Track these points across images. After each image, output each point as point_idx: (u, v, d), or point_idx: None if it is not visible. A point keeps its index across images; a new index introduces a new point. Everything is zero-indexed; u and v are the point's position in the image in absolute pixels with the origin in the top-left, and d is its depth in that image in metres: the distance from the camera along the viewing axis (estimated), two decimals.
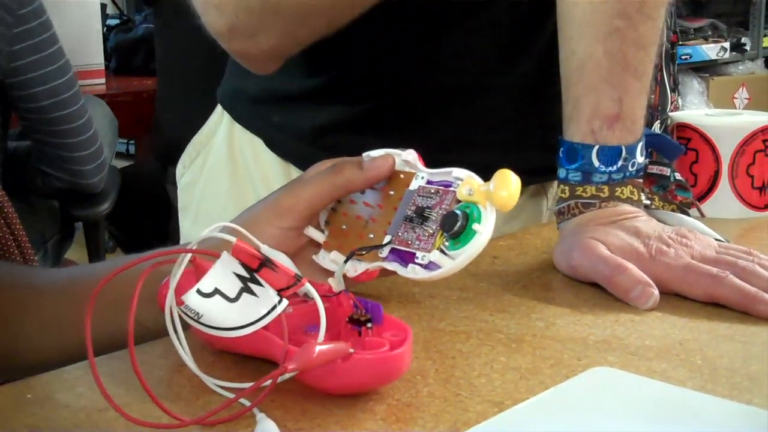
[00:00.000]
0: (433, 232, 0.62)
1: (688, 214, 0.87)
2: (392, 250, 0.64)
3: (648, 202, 0.84)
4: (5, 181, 0.99)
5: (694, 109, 3.86)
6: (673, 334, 0.63)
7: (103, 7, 3.20)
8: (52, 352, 0.69)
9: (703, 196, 0.94)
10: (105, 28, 3.19)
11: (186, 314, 0.52)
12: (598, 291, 0.72)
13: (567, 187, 0.79)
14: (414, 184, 0.66)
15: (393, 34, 0.87)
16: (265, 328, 0.53)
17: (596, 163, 0.77)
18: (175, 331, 0.54)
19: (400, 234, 0.64)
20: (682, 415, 0.50)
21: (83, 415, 0.52)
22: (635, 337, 0.63)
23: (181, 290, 0.52)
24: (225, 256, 0.53)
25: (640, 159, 0.79)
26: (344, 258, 0.65)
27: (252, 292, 0.53)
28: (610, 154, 0.77)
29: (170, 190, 2.64)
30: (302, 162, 0.93)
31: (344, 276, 0.65)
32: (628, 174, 0.78)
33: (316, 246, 0.70)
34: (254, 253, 0.53)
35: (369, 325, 0.55)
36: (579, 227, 0.77)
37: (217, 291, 0.52)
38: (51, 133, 1.93)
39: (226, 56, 0.84)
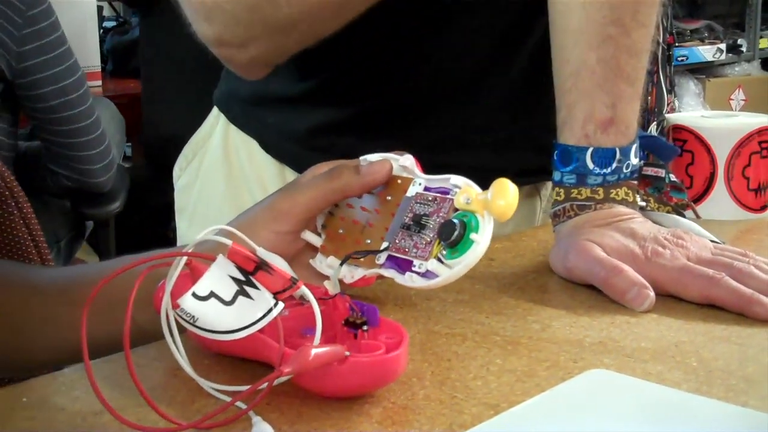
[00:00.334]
0: (431, 241, 0.62)
1: (684, 216, 0.87)
2: (389, 257, 0.64)
3: (643, 203, 0.85)
4: (18, 181, 1.00)
5: (690, 110, 3.87)
6: (669, 336, 0.63)
7: (100, 9, 3.20)
8: (49, 351, 0.69)
9: (698, 198, 0.94)
10: (101, 31, 3.19)
11: (182, 317, 0.52)
12: (594, 293, 0.72)
13: (562, 190, 0.79)
14: (411, 191, 0.66)
15: (385, 37, 0.87)
16: (260, 331, 0.53)
17: (590, 165, 0.78)
18: (171, 335, 0.54)
19: (397, 241, 0.64)
20: (678, 417, 0.50)
21: (79, 418, 0.52)
22: (631, 339, 0.63)
23: (176, 293, 0.52)
24: (221, 259, 0.53)
25: (634, 161, 0.79)
26: (340, 262, 0.65)
27: (248, 295, 0.53)
28: (605, 156, 0.78)
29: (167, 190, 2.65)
30: (297, 163, 0.93)
31: (340, 281, 0.65)
32: (622, 176, 0.78)
33: (313, 250, 0.70)
34: (250, 256, 0.53)
35: (365, 327, 0.55)
36: (574, 229, 0.77)
37: (212, 294, 0.52)
38: (59, 133, 1.95)
39: (216, 60, 0.84)
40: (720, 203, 0.95)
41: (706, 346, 0.61)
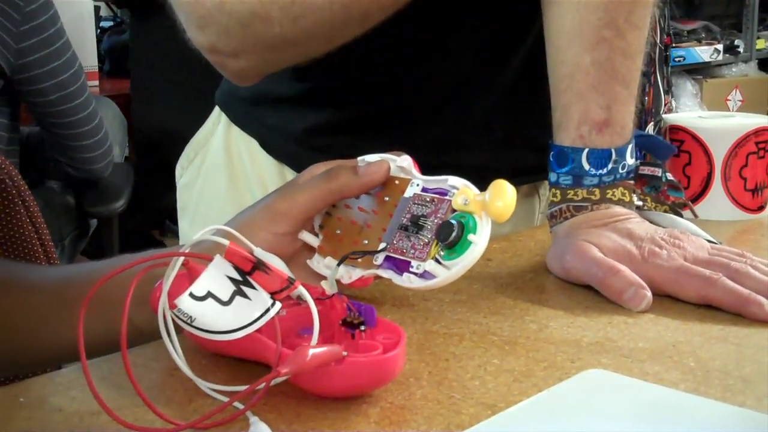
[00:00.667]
0: (429, 242, 0.62)
1: (681, 215, 0.87)
2: (387, 258, 0.64)
3: (640, 203, 0.85)
4: (22, 168, 1.00)
5: (687, 111, 3.87)
6: (666, 336, 0.63)
7: (97, 9, 3.20)
8: (47, 351, 0.69)
9: (696, 198, 0.94)
10: (98, 31, 3.19)
11: (179, 318, 0.52)
12: (591, 293, 0.72)
13: (558, 191, 0.79)
14: (409, 191, 0.66)
15: (383, 42, 0.87)
16: (258, 331, 0.53)
17: (586, 166, 0.78)
18: (168, 335, 0.54)
19: (395, 242, 0.64)
20: (675, 417, 0.50)
21: (76, 418, 0.51)
22: (628, 339, 0.63)
23: (174, 293, 0.52)
24: (218, 259, 0.53)
25: (630, 161, 0.79)
26: (338, 262, 0.65)
27: (245, 295, 0.53)
28: (600, 157, 0.78)
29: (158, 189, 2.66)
30: (296, 163, 0.93)
31: (338, 281, 0.65)
32: (618, 176, 0.78)
33: (311, 250, 0.70)
34: (247, 256, 0.53)
35: (362, 327, 0.55)
36: (571, 230, 0.77)
37: (209, 294, 0.52)
38: (59, 125, 1.98)
39: (208, 62, 0.85)
40: (717, 203, 0.95)
41: (703, 347, 0.61)
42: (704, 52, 4.35)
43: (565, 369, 0.58)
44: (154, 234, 3.24)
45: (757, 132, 0.94)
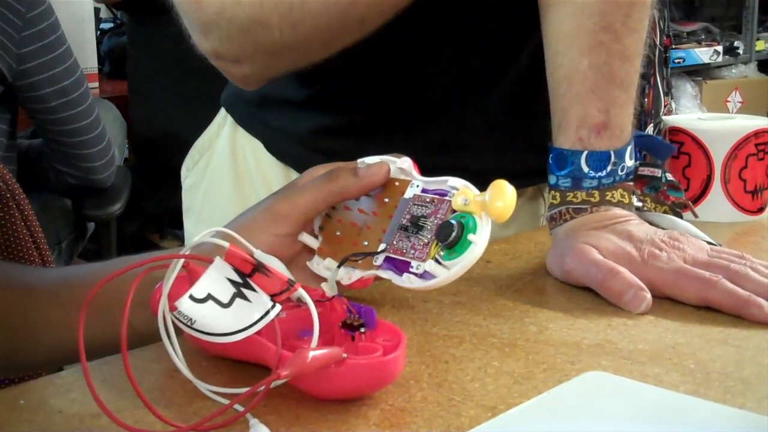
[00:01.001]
0: (428, 242, 0.62)
1: (681, 216, 0.87)
2: (387, 259, 0.64)
3: (640, 204, 0.85)
4: (20, 179, 1.00)
5: (687, 112, 3.88)
6: (666, 338, 0.63)
7: (97, 11, 3.20)
8: (44, 352, 0.69)
9: (695, 200, 0.94)
10: (98, 32, 3.19)
11: (179, 320, 0.52)
12: (591, 295, 0.72)
13: (558, 193, 0.79)
14: (409, 192, 0.66)
15: (385, 46, 0.87)
16: (258, 333, 0.53)
17: (585, 168, 0.78)
18: (168, 337, 0.54)
19: (394, 242, 0.64)
20: (675, 419, 0.50)
21: (77, 420, 0.52)
22: (628, 341, 0.63)
23: (174, 296, 0.52)
24: (218, 261, 0.53)
25: (629, 162, 0.79)
26: (338, 264, 0.65)
27: (245, 298, 0.53)
28: (599, 160, 0.78)
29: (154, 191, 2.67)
30: (300, 165, 0.94)
31: (338, 282, 0.65)
32: (618, 178, 0.78)
33: (311, 252, 0.70)
34: (247, 258, 0.53)
35: (362, 329, 0.55)
36: (571, 232, 0.77)
37: (210, 296, 0.52)
38: (60, 132, 1.97)
39: (206, 63, 0.85)
40: (717, 205, 0.95)
41: (703, 348, 0.61)
42: (704, 54, 4.35)
43: (565, 371, 0.58)
44: (154, 238, 3.24)
45: (757, 134, 0.94)
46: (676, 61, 4.18)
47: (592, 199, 0.78)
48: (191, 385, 0.54)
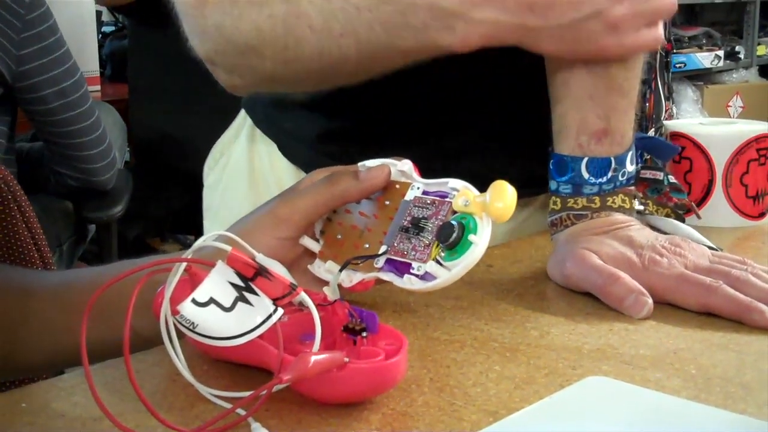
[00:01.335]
0: (429, 243, 0.63)
1: (683, 218, 0.87)
2: (388, 261, 0.64)
3: (641, 207, 0.85)
4: (20, 181, 1.00)
5: (688, 117, 3.88)
6: (668, 343, 0.64)
7: (99, 14, 3.20)
8: (46, 355, 0.70)
9: (697, 205, 0.94)
10: (100, 35, 3.19)
11: (181, 324, 0.53)
12: (592, 300, 0.72)
13: (558, 199, 0.79)
14: (410, 195, 0.66)
15: None
16: (260, 337, 0.53)
17: (586, 175, 0.78)
18: (170, 340, 0.54)
19: (395, 244, 0.64)
20: (677, 424, 0.50)
21: (78, 424, 0.52)
22: (629, 347, 0.63)
23: (176, 299, 0.52)
24: (220, 265, 0.53)
25: (630, 168, 0.79)
26: (339, 267, 0.65)
27: (247, 301, 0.53)
28: (600, 166, 0.78)
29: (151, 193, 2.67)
30: (310, 168, 0.93)
31: (339, 285, 0.65)
32: (618, 183, 0.78)
33: (312, 255, 0.70)
34: (249, 262, 0.53)
35: (364, 334, 0.55)
36: (572, 237, 0.77)
37: (212, 300, 0.52)
38: (61, 134, 1.97)
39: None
40: (718, 210, 0.95)
41: (704, 354, 0.61)
42: (705, 59, 4.35)
43: (566, 376, 0.58)
44: (155, 242, 3.23)
45: (759, 139, 0.94)
46: (678, 65, 4.18)
47: (593, 205, 0.78)
48: (193, 389, 0.54)
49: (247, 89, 0.86)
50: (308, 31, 0.74)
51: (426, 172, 0.68)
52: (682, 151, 0.96)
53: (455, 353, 0.61)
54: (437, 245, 0.62)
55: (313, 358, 0.49)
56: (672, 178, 0.88)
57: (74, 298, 0.68)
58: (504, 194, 0.59)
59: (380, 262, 0.65)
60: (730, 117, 4.32)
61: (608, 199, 0.78)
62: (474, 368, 0.59)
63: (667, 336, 0.65)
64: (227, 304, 0.52)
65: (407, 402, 0.54)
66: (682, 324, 0.67)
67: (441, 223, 0.62)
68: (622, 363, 0.60)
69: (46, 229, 0.94)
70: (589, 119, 0.77)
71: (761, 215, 0.96)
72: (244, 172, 1.00)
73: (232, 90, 0.86)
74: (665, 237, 0.76)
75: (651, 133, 1.14)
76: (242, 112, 1.04)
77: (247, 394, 0.49)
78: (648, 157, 0.93)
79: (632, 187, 0.80)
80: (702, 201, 0.95)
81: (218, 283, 0.53)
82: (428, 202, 0.65)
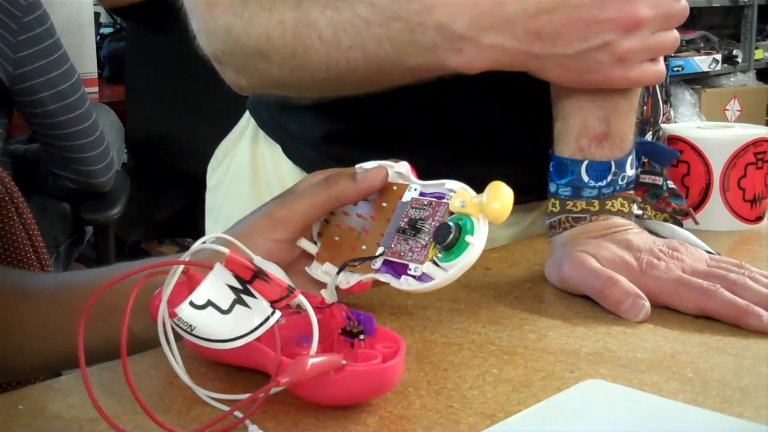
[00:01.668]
0: (426, 244, 0.63)
1: (681, 224, 0.87)
2: (385, 262, 0.64)
3: (640, 212, 0.85)
4: (17, 183, 0.99)
5: (686, 121, 3.88)
6: (665, 346, 0.64)
7: (97, 15, 3.20)
8: (42, 357, 0.69)
9: (694, 209, 0.94)
10: (98, 37, 3.19)
11: (179, 326, 0.52)
12: (590, 303, 0.72)
13: (557, 202, 0.79)
14: (407, 196, 0.66)
15: None
16: (258, 339, 0.53)
17: (585, 178, 0.78)
18: (168, 343, 0.54)
19: (392, 246, 0.64)
20: (674, 428, 0.50)
21: (75, 426, 0.52)
22: (627, 350, 0.63)
23: (173, 302, 0.52)
24: (218, 267, 0.53)
25: (630, 172, 0.79)
26: (337, 269, 0.66)
27: (245, 304, 0.53)
28: (600, 169, 0.78)
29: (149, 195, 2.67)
30: (314, 170, 0.93)
31: (337, 287, 0.65)
32: (618, 187, 0.78)
33: (309, 257, 0.70)
34: (247, 265, 0.53)
35: (362, 336, 0.55)
36: (570, 240, 0.77)
37: (210, 303, 0.52)
38: (59, 137, 1.96)
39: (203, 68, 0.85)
40: (716, 214, 0.95)
41: (701, 357, 0.62)
42: (703, 62, 4.36)
43: (563, 379, 0.58)
44: (152, 245, 3.23)
45: (756, 143, 0.94)
46: (675, 69, 4.19)
47: (592, 208, 0.78)
48: (190, 391, 0.54)
49: (252, 90, 0.86)
50: (317, 41, 0.74)
51: (431, 175, 0.68)
52: (680, 155, 0.96)
53: (453, 356, 0.61)
54: (434, 246, 0.62)
55: (311, 360, 0.49)
56: (671, 183, 0.88)
57: (71, 300, 0.68)
58: (501, 195, 0.60)
59: (377, 263, 0.65)
60: (728, 121, 4.32)
61: (607, 202, 0.78)
62: (471, 371, 0.59)
63: (664, 339, 0.65)
64: (225, 307, 0.52)
65: (404, 405, 0.54)
66: (679, 327, 0.67)
67: (438, 224, 0.62)
68: (620, 366, 0.60)
69: (43, 230, 0.94)
70: (590, 122, 0.77)
71: (758, 219, 0.96)
72: (247, 173, 1.00)
73: (237, 89, 0.86)
74: (663, 241, 0.76)
75: (649, 136, 1.13)
76: (246, 114, 1.04)
77: (244, 396, 0.49)
78: (645, 160, 0.93)
79: (631, 192, 0.80)
80: (699, 204, 0.95)
81: (216, 285, 0.53)
82: (425, 203, 0.65)
